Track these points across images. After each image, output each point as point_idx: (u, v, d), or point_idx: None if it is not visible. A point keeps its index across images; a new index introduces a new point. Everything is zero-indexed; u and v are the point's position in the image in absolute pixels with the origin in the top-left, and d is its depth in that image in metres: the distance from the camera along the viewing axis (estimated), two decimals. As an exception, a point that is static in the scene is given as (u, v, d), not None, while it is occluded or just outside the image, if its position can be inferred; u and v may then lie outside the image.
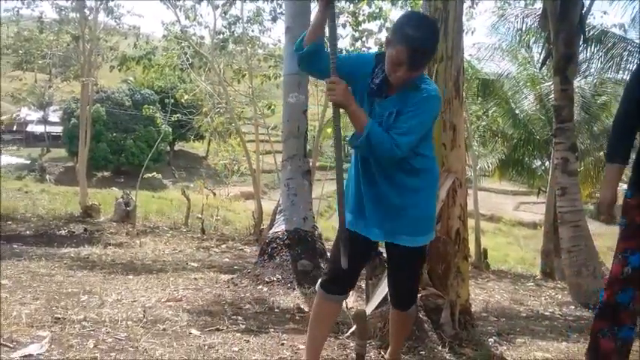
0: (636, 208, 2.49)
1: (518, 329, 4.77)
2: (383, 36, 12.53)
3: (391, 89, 2.47)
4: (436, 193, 2.78)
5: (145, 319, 3.75)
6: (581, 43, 7.97)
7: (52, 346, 3.02)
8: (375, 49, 13.00)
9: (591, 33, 10.55)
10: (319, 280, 2.78)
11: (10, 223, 11.18)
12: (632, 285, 2.50)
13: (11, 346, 2.97)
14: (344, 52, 13.15)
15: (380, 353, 3.26)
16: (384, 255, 3.01)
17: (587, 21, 8.54)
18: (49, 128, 45.28)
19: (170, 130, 19.18)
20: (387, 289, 3.10)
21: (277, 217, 6.19)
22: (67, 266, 6.12)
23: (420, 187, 2.57)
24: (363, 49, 13.06)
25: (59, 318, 3.61)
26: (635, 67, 3.05)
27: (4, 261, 6.10)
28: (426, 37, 2.34)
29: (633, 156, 2.76)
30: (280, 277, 5.24)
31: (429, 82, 2.53)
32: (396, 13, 12.23)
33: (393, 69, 2.38)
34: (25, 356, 2.83)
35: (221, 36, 13.88)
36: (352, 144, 2.46)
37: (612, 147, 2.83)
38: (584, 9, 7.65)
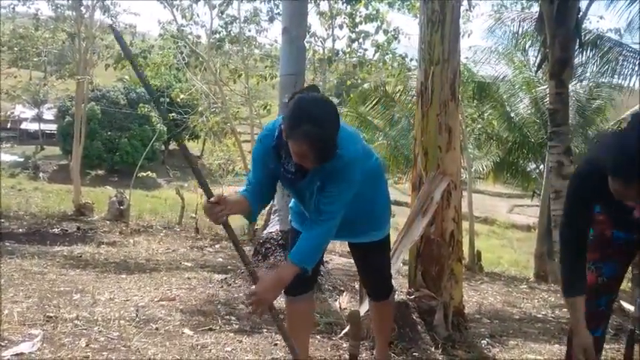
0: (603, 222, 2.49)
1: (511, 331, 4.78)
2: (380, 37, 12.58)
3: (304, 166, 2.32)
4: (387, 193, 2.79)
5: (137, 319, 3.74)
6: (576, 47, 8.01)
7: (44, 344, 3.01)
8: (371, 50, 13.05)
9: (587, 37, 10.60)
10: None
11: (2, 220, 11.11)
12: (607, 292, 2.54)
13: (3, 344, 2.96)
14: (340, 53, 13.20)
15: (372, 354, 3.26)
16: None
17: (583, 25, 8.59)
18: (43, 126, 45.09)
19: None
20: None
21: (272, 217, 6.18)
22: (59, 265, 6.10)
23: (376, 191, 2.66)
24: (360, 50, 13.09)
25: (51, 316, 3.59)
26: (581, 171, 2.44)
27: (-4, 259, 6.07)
28: (326, 128, 2.15)
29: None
30: (274, 277, 5.23)
31: (345, 144, 2.29)
32: (392, 15, 12.26)
33: (300, 161, 2.22)
34: (17, 354, 2.82)
35: (217, 35, 13.85)
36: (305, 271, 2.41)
37: (569, 280, 2.41)
38: (581, 13, 7.68)
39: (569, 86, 8.26)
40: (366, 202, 2.58)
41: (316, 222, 2.38)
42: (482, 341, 4.08)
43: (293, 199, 2.74)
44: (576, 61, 10.47)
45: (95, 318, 3.67)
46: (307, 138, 2.11)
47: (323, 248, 2.48)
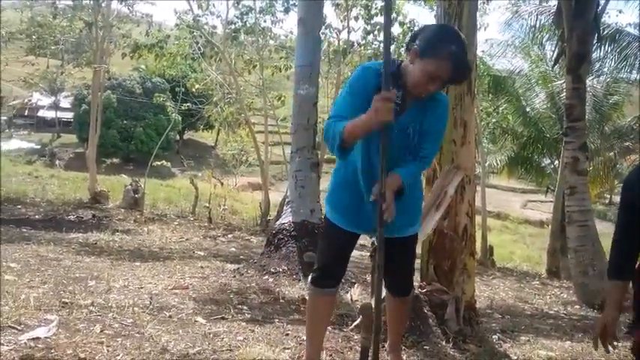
0: None
1: (522, 327, 4.77)
2: (395, 30, 12.49)
3: (404, 103, 2.43)
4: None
5: (151, 306, 3.78)
6: (595, 41, 7.92)
7: (60, 329, 3.05)
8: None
9: (606, 32, 10.47)
10: (310, 277, 2.78)
11: (19, 207, 11.26)
12: None
13: (19, 328, 3.01)
14: (355, 45, 13.15)
15: (383, 347, 3.27)
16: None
17: (602, 19, 8.48)
18: (60, 114, 45.40)
19: (180, 118, 19.15)
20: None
21: (285, 208, 6.21)
22: (75, 251, 6.17)
23: (416, 180, 2.67)
24: (375, 42, 13.03)
25: (67, 302, 3.64)
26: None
27: (13, 245, 6.16)
28: (465, 54, 2.34)
29: None
30: (286, 268, 5.26)
31: (439, 91, 2.50)
32: (408, 8, 12.19)
33: (426, 82, 2.32)
34: (33, 339, 2.86)
35: (233, 26, 13.87)
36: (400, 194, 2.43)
37: (614, 262, 2.42)
38: (600, 7, 7.59)
39: (586, 81, 8.18)
40: (414, 185, 2.60)
41: (419, 160, 2.50)
42: (494, 336, 4.08)
43: (332, 190, 2.68)
44: (594, 55, 10.37)
45: (110, 304, 3.71)
46: (453, 58, 2.26)
47: (419, 174, 2.61)
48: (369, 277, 4.06)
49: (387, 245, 2.71)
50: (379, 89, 2.25)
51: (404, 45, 12.55)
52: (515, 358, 3.56)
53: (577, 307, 6.66)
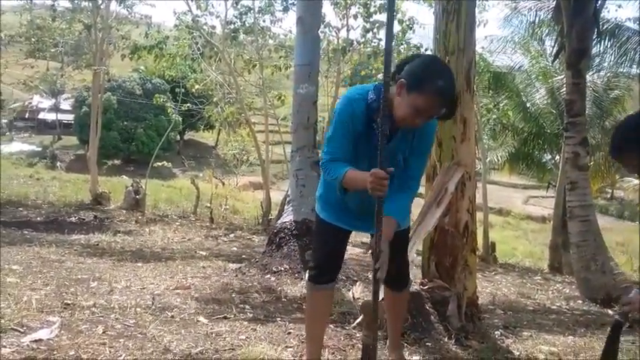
0: None
1: (524, 323, 4.77)
2: (394, 27, 12.46)
3: (393, 128, 2.40)
4: None
5: (153, 307, 3.79)
6: (594, 36, 7.90)
7: (62, 331, 3.06)
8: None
9: (605, 27, 10.45)
10: (307, 275, 2.82)
11: (21, 209, 11.27)
12: None
13: (21, 330, 3.01)
14: (354, 43, 13.13)
15: (385, 344, 3.28)
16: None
17: (601, 14, 8.46)
18: (60, 116, 45.44)
19: (180, 119, 19.15)
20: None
21: (286, 207, 6.21)
22: (77, 253, 6.18)
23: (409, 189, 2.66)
24: (374, 40, 13.02)
25: (69, 304, 3.65)
26: None
27: (14, 247, 6.17)
28: (452, 83, 2.34)
29: None
30: (288, 266, 5.27)
31: None
32: (407, 5, 12.18)
33: (414, 117, 2.31)
34: (35, 341, 2.87)
35: (232, 26, 13.85)
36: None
37: None
38: (599, 2, 7.57)
39: (587, 76, 8.17)
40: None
41: (408, 186, 2.53)
42: (496, 332, 4.08)
43: (322, 190, 2.73)
44: (594, 50, 10.34)
45: (112, 305, 3.72)
46: (440, 93, 2.26)
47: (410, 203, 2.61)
48: (370, 275, 4.05)
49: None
50: (367, 117, 2.39)
51: (402, 43, 12.61)
52: (518, 353, 3.56)
53: (579, 302, 6.65)
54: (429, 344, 3.42)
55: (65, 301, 3.70)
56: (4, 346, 2.74)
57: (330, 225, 2.70)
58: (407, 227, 2.80)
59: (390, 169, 2.22)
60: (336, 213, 2.68)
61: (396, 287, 2.90)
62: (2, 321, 3.08)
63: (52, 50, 20.20)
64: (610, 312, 5.94)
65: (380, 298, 3.48)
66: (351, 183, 2.37)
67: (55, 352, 2.73)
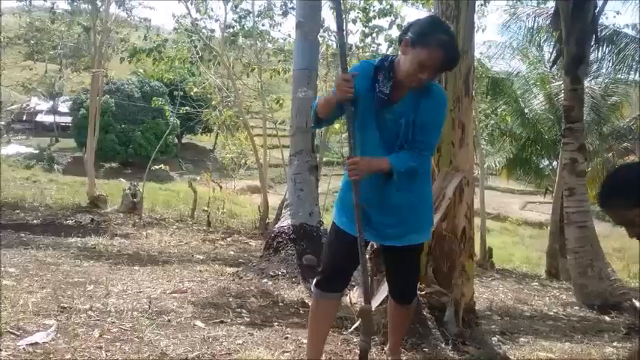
0: None
1: (521, 328, 4.77)
2: (393, 32, 12.50)
3: (397, 92, 2.48)
4: (431, 193, 2.85)
5: (150, 310, 3.78)
6: (592, 43, 7.92)
7: (58, 334, 3.05)
8: (385, 45, 13.00)
9: (603, 33, 10.47)
10: (314, 280, 2.79)
11: (18, 211, 11.24)
12: None
13: (17, 334, 3.00)
14: (353, 47, 13.16)
15: (383, 349, 3.27)
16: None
17: (600, 21, 8.48)
18: (58, 118, 45.41)
19: (178, 122, 19.16)
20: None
21: (283, 211, 6.21)
22: (73, 256, 6.16)
23: (422, 185, 2.64)
24: (373, 45, 13.05)
25: (65, 307, 3.64)
26: None
27: (11, 249, 6.15)
28: (454, 42, 2.45)
29: None
30: (285, 271, 5.26)
31: (436, 86, 2.58)
32: (406, 10, 12.21)
33: (418, 71, 2.38)
34: (31, 344, 2.85)
35: (231, 30, 13.88)
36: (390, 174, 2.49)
37: None
38: (597, 9, 7.60)
39: (585, 82, 8.19)
40: (420, 190, 2.63)
41: (413, 149, 2.49)
42: (493, 338, 4.08)
43: (341, 194, 2.71)
44: (592, 57, 10.35)
45: (108, 309, 3.71)
46: (444, 46, 2.35)
47: (413, 168, 2.50)
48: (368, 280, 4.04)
49: (391, 252, 2.74)
50: (373, 76, 2.50)
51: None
52: (515, 359, 3.56)
53: (576, 308, 6.65)
54: (426, 350, 3.41)
55: (62, 305, 3.69)
56: (1, 350, 2.73)
57: (342, 232, 2.66)
58: (416, 244, 2.71)
59: (354, 73, 2.43)
60: (350, 220, 2.60)
61: (402, 301, 2.88)
62: (-2, 324, 3.07)
63: (51, 52, 20.23)
64: (607, 318, 5.94)
65: (377, 304, 3.49)
66: (323, 103, 2.54)
67: (51, 356, 2.72)
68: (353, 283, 5.21)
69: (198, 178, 21.04)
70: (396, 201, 2.55)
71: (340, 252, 2.69)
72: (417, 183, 2.57)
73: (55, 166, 34.86)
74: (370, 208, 2.55)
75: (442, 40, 2.35)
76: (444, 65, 2.41)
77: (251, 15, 13.69)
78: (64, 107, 43.86)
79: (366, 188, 2.53)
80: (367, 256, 2.71)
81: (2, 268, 4.78)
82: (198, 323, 3.59)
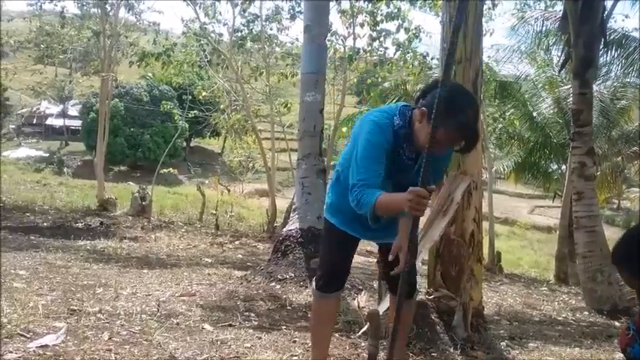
0: None
1: (530, 333, 4.75)
2: (401, 36, 12.52)
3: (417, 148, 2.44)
4: None
5: (159, 313, 3.79)
6: (601, 46, 7.89)
7: (68, 337, 3.06)
8: (392, 49, 13.00)
9: (612, 37, 10.44)
10: (313, 283, 2.81)
11: (28, 214, 11.32)
12: None
13: (28, 336, 3.02)
14: (361, 51, 13.17)
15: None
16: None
17: (608, 24, 8.45)
18: (68, 122, 45.70)
19: (187, 126, 19.23)
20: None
21: (291, 215, 6.22)
22: (83, 259, 6.20)
23: None
24: (380, 49, 13.06)
25: (75, 310, 3.66)
26: None
27: (21, 252, 6.19)
28: (474, 113, 2.31)
29: None
30: (293, 274, 5.27)
31: None
32: (414, 13, 12.21)
33: (434, 146, 2.12)
34: (41, 347, 2.87)
35: (239, 34, 13.93)
36: None
37: None
38: (606, 12, 7.57)
39: (593, 86, 8.15)
40: None
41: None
42: (502, 343, 4.06)
43: (333, 198, 2.70)
44: (601, 60, 10.32)
45: (118, 312, 3.73)
46: (460, 129, 2.24)
47: None
48: (375, 284, 4.05)
49: (383, 251, 2.77)
50: (394, 143, 2.39)
51: (409, 51, 12.64)
52: (524, 364, 3.55)
53: (586, 313, 6.61)
54: (435, 354, 3.41)
55: (71, 307, 3.71)
56: (11, 352, 2.75)
57: (340, 231, 2.68)
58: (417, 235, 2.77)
59: (432, 187, 2.17)
60: (347, 221, 2.64)
61: (410, 293, 2.87)
62: (8, 326, 3.09)
63: (61, 56, 20.34)
64: (617, 324, 5.90)
65: (385, 307, 3.49)
66: (386, 207, 2.26)
67: (60, 358, 2.74)
68: (360, 287, 5.23)
69: (207, 181, 21.13)
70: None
71: (339, 252, 2.73)
72: None
73: (65, 170, 35.06)
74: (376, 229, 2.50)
75: (459, 123, 2.22)
76: (462, 143, 2.33)
77: (259, 19, 13.74)
78: (73, 111, 44.16)
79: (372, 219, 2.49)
80: (376, 260, 2.68)
81: (12, 271, 4.82)
82: (207, 326, 3.60)
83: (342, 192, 2.57)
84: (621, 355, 2.42)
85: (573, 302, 7.50)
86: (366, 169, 2.35)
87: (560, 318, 6.09)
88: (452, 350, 3.49)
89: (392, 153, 2.42)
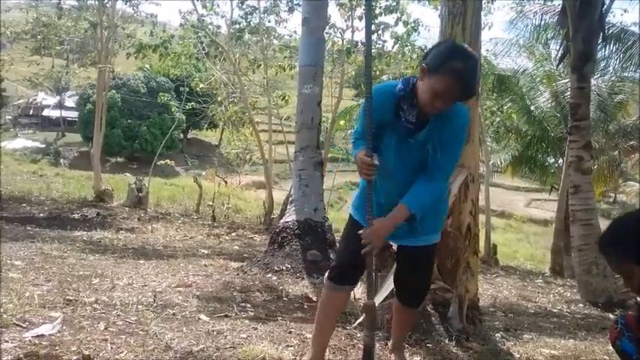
0: None
1: (525, 325, 4.77)
2: (399, 29, 12.49)
3: (422, 117, 2.42)
4: (446, 196, 2.81)
5: (155, 304, 3.79)
6: (600, 40, 7.89)
7: (64, 327, 3.06)
8: (391, 42, 12.98)
9: (610, 31, 10.45)
10: (326, 273, 2.81)
11: (24, 205, 11.30)
12: None
13: (24, 325, 3.02)
14: (359, 44, 13.14)
15: (386, 344, 3.28)
16: (394, 247, 3.02)
17: (607, 19, 8.45)
18: (64, 113, 45.58)
19: (184, 117, 19.18)
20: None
21: (288, 207, 6.23)
22: (79, 249, 6.19)
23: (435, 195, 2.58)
24: (379, 42, 13.03)
25: (71, 300, 3.66)
26: None
27: (17, 242, 6.18)
28: (472, 67, 2.32)
29: None
30: (289, 266, 5.28)
31: (459, 105, 2.47)
32: (412, 7, 12.17)
33: (432, 100, 2.31)
34: (37, 336, 2.87)
35: (237, 26, 13.89)
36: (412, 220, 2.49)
37: None
38: (604, 6, 7.57)
39: (591, 80, 8.16)
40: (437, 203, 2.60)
41: (433, 178, 2.45)
42: (497, 334, 4.08)
43: (359, 191, 2.70)
44: (599, 54, 10.33)
45: (114, 302, 3.73)
46: (458, 76, 2.26)
47: (434, 200, 2.51)
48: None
49: (410, 253, 2.73)
50: (395, 106, 2.44)
51: (407, 44, 12.61)
52: (518, 356, 3.56)
53: (580, 305, 6.65)
54: (430, 345, 3.42)
55: (67, 297, 3.71)
56: (7, 341, 2.75)
57: (358, 225, 2.64)
58: (432, 244, 2.71)
59: (375, 162, 2.38)
60: (355, 207, 2.67)
61: (409, 304, 2.89)
62: (4, 316, 3.09)
63: (58, 48, 20.24)
64: (611, 316, 5.93)
65: (381, 299, 3.50)
66: (356, 160, 2.48)
67: (56, 348, 2.74)
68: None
69: (204, 173, 21.09)
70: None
71: (354, 245, 2.66)
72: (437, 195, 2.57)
73: (62, 161, 34.97)
74: (387, 210, 2.52)
75: (456, 69, 2.26)
76: (458, 95, 2.32)
77: (257, 11, 13.70)
78: (70, 102, 44.02)
79: (384, 191, 2.54)
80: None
81: (8, 261, 4.82)
82: (203, 317, 3.61)
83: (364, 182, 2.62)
84: None
85: (568, 295, 7.54)
86: (359, 124, 2.60)
87: (555, 310, 6.12)
88: (447, 341, 3.51)
89: (393, 116, 2.45)
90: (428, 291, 2.94)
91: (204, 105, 16.68)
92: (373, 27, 12.52)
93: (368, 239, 2.43)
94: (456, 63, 2.26)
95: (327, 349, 2.98)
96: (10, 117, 45.34)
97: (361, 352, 2.80)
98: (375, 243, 2.43)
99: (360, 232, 2.47)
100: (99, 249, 6.48)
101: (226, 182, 17.32)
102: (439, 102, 2.31)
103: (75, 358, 2.65)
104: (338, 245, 2.98)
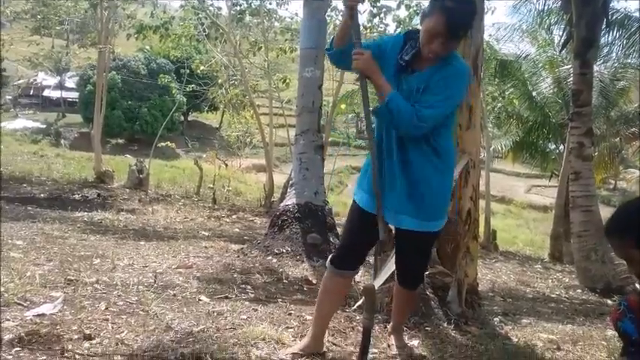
0: None
1: (524, 310, 4.80)
2: (401, 12, 12.40)
3: (420, 65, 2.46)
4: (451, 183, 2.71)
5: (155, 284, 3.81)
6: (603, 27, 7.85)
7: (65, 306, 3.08)
8: (392, 26, 12.89)
9: (614, 17, 10.37)
10: (329, 256, 2.81)
11: (25, 185, 11.32)
12: None
13: (25, 305, 3.04)
14: (361, 27, 13.04)
15: (385, 327, 3.30)
16: (394, 231, 3.03)
17: (611, 4, 8.39)
18: (65, 94, 45.43)
19: (185, 100, 19.12)
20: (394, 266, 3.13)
21: (289, 190, 6.23)
22: (80, 230, 6.21)
23: (435, 169, 2.53)
24: (381, 25, 12.94)
25: (72, 280, 3.68)
26: None
27: (18, 222, 6.20)
28: (464, 9, 2.36)
29: None
30: (289, 249, 5.29)
31: (460, 59, 2.52)
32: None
33: (428, 40, 2.37)
34: (38, 315, 2.89)
35: (238, 7, 13.78)
36: (374, 113, 2.49)
37: None
38: (609, -8, 7.52)
39: (594, 67, 8.12)
40: (431, 173, 2.52)
41: (417, 106, 2.40)
42: (495, 319, 4.11)
43: (362, 170, 2.70)
44: (602, 40, 10.27)
45: (114, 282, 3.74)
46: (446, 12, 2.31)
47: (404, 119, 2.36)
48: (371, 259, 4.07)
49: (404, 237, 2.70)
50: (404, 38, 2.54)
51: (409, 28, 12.54)
52: (517, 340, 3.59)
53: (579, 291, 6.69)
54: (429, 329, 3.44)
55: (68, 277, 3.72)
56: (8, 320, 2.77)
57: (360, 209, 2.63)
58: (432, 231, 2.65)
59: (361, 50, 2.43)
60: (370, 195, 2.58)
61: (408, 286, 2.90)
62: (6, 295, 3.11)
63: (58, 28, 20.07)
64: (609, 302, 5.97)
65: (380, 282, 3.52)
66: (339, 33, 2.57)
67: (57, 327, 2.76)
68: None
69: (204, 155, 21.04)
70: (404, 172, 2.51)
71: (357, 229, 2.68)
72: (429, 166, 2.51)
73: (62, 141, 34.95)
74: (385, 177, 2.53)
75: (444, 6, 2.32)
76: (447, 31, 2.32)
77: (259, -8, 13.59)
78: (70, 83, 43.86)
79: (385, 153, 2.54)
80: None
81: (9, 241, 4.84)
82: (203, 298, 3.63)
83: (367, 161, 2.63)
84: (613, 332, 2.46)
85: (567, 280, 7.57)
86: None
87: (553, 295, 6.15)
88: (446, 325, 3.53)
89: (396, 52, 2.51)
90: (420, 275, 2.94)
91: (204, 87, 16.62)
92: (375, 10, 12.47)
93: (359, 60, 2.43)
94: (448, 2, 2.33)
95: (327, 331, 3.00)
96: (10, 97, 45.21)
97: (360, 335, 2.82)
98: (359, 65, 2.43)
99: (355, 53, 2.45)
100: (100, 230, 6.50)
101: (227, 165, 17.31)
102: (433, 42, 2.36)
103: (76, 337, 2.67)
104: (342, 229, 2.97)
